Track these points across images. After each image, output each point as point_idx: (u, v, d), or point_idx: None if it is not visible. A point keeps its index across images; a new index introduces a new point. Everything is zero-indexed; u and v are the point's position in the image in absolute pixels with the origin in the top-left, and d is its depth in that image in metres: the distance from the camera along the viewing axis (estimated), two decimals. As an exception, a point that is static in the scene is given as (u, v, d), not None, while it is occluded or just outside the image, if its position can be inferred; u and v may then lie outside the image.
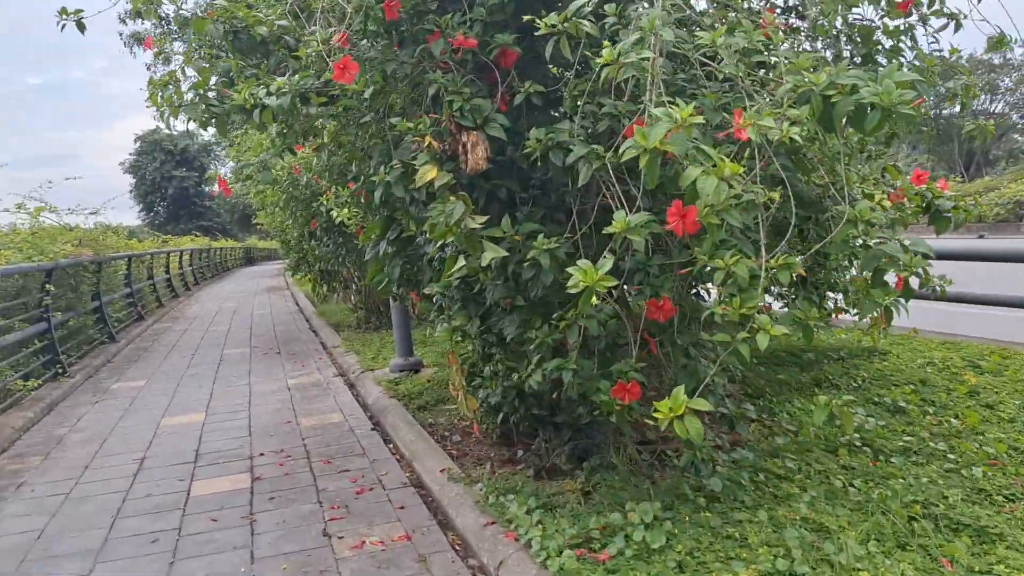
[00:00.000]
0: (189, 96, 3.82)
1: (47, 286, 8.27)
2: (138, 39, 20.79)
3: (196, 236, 35.39)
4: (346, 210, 8.78)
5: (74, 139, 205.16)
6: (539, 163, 3.09)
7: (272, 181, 8.09)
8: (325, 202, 9.07)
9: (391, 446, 5.35)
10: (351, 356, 8.65)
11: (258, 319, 14.40)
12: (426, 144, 3.17)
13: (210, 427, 6.25)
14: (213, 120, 3.80)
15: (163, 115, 3.80)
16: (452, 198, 3.02)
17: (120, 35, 20.82)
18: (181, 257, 23.28)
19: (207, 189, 71.83)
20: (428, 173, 3.06)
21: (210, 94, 3.90)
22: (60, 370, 8.44)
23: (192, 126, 3.81)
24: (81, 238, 10.63)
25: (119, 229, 15.39)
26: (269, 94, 3.53)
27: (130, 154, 78.06)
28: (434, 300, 4.47)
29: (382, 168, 3.61)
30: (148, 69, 21.21)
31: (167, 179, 75.62)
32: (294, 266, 24.97)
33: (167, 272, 20.19)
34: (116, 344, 11.39)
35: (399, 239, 4.42)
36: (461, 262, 3.11)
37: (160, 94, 3.80)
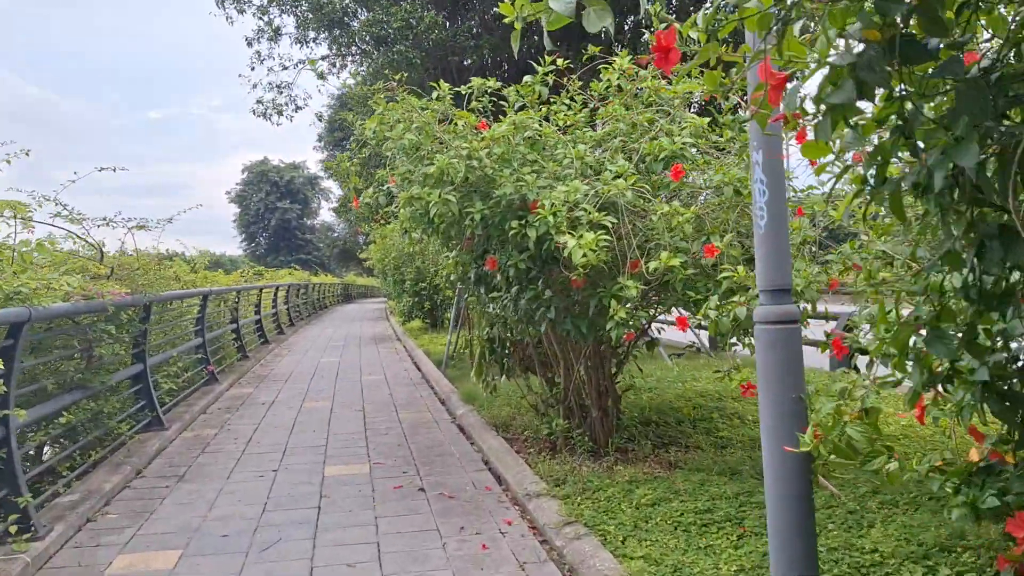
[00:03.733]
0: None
1: (-4, 360, 4.12)
2: (236, -1, 17.48)
3: (295, 269, 32.13)
4: (591, 236, 4.39)
5: (187, 171, 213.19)
6: None
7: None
8: (538, 223, 4.72)
9: None
10: (588, 538, 4.15)
11: (371, 393, 10.15)
12: None
13: None
14: None
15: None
16: None
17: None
18: (276, 293, 19.60)
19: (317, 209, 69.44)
20: None
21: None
22: (22, 527, 4.27)
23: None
24: (116, 266, 6.61)
25: (199, 257, 11.54)
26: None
27: (236, 184, 77.72)
28: None
29: None
30: (249, 46, 17.67)
31: (271, 210, 74.52)
32: (407, 312, 21.05)
33: (257, 312, 16.42)
34: (163, 432, 7.29)
35: None
36: None
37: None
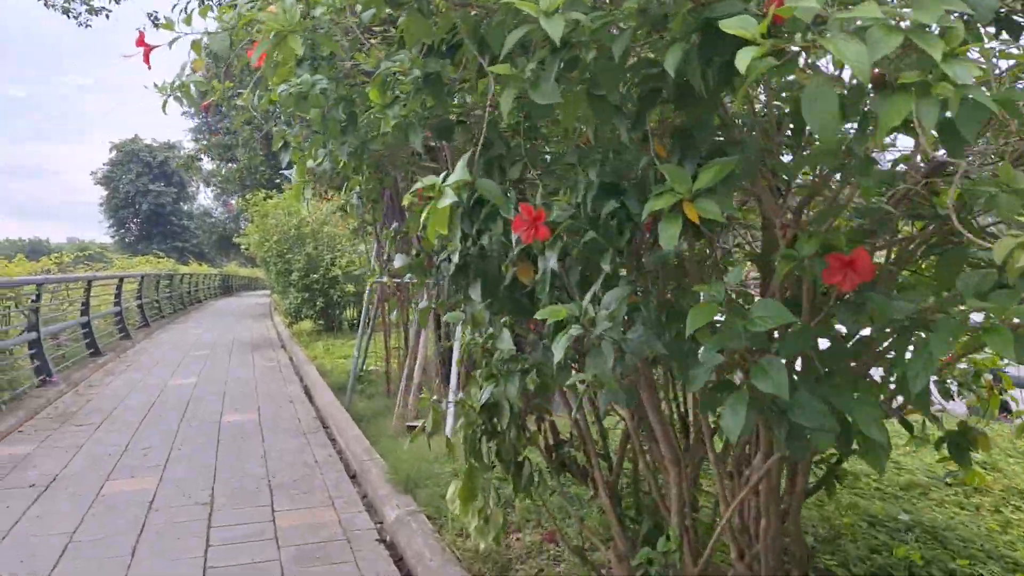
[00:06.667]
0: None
1: None
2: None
3: (159, 257, 27.11)
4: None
5: (52, 152, 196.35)
6: None
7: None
8: None
9: None
10: None
11: (233, 455, 6.18)
12: None
13: None
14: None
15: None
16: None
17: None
18: (120, 287, 15.03)
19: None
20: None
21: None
22: None
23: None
24: None
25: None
26: None
27: (104, 164, 69.54)
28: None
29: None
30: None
31: (142, 193, 66.88)
32: (294, 312, 16.82)
33: (84, 313, 11.98)
34: None
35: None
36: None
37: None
